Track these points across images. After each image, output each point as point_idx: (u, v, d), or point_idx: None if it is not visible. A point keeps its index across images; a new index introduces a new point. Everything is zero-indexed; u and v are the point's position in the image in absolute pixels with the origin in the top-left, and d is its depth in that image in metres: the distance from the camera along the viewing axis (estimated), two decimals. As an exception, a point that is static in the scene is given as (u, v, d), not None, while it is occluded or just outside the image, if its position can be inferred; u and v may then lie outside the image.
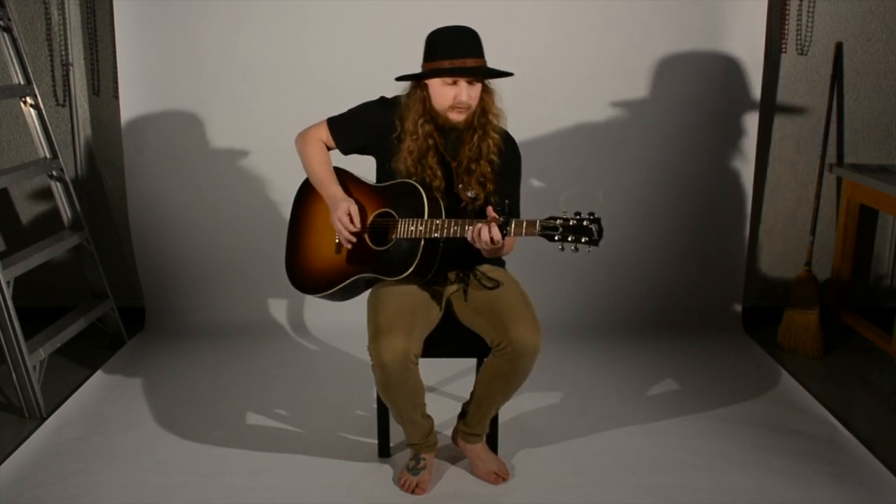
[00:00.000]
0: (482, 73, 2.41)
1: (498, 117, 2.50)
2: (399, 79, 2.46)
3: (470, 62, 2.37)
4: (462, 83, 2.39)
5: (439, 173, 2.48)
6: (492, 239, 2.26)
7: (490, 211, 2.28)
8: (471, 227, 2.31)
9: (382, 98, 2.58)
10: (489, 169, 2.48)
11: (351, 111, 2.60)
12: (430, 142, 2.46)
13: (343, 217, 2.47)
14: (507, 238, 2.28)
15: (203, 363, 3.55)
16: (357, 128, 2.58)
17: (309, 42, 3.68)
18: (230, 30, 3.66)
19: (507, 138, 2.55)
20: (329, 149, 2.64)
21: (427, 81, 2.44)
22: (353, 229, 2.48)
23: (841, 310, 3.92)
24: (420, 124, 2.45)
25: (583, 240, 2.16)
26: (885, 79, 3.87)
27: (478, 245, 2.31)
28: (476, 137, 2.47)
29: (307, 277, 2.62)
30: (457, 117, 2.44)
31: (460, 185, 2.50)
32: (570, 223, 2.17)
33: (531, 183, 3.75)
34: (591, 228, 2.15)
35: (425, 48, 2.44)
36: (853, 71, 3.85)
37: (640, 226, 3.88)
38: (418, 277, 2.46)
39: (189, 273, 3.91)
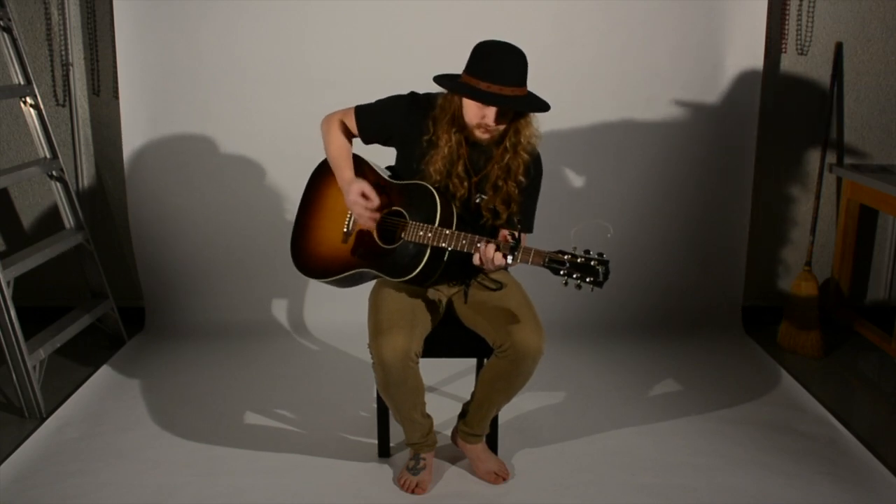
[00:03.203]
0: (514, 107, 2.35)
1: (531, 139, 2.44)
2: (436, 79, 2.40)
3: (508, 90, 2.31)
4: (492, 107, 2.34)
5: (465, 183, 2.46)
6: (494, 260, 2.25)
7: (502, 234, 2.26)
8: (478, 248, 2.29)
9: (413, 94, 2.53)
10: (516, 190, 2.45)
11: (380, 102, 2.56)
12: (461, 151, 2.44)
13: (357, 199, 2.46)
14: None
15: (203, 363, 3.55)
16: (384, 121, 2.54)
17: (309, 42, 3.68)
18: (230, 30, 3.65)
19: (535, 157, 2.51)
20: (352, 136, 2.62)
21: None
22: (372, 206, 2.46)
23: (841, 310, 3.91)
24: (453, 132, 2.42)
25: (587, 279, 2.14)
26: (885, 79, 3.87)
27: (483, 266, 2.31)
28: (507, 157, 2.44)
29: (310, 261, 2.62)
30: (481, 136, 2.40)
31: (480, 198, 2.48)
32: (578, 261, 2.15)
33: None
34: (598, 270, 2.12)
35: (470, 58, 2.38)
36: (853, 71, 3.85)
37: (641, 226, 3.88)
38: (418, 283, 2.46)
39: (189, 273, 3.91)
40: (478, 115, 2.36)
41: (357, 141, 2.63)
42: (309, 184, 2.71)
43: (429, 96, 2.50)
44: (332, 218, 2.61)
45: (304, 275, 2.62)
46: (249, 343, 3.75)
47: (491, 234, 2.41)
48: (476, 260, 2.30)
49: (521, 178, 2.45)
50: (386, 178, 2.58)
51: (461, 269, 2.54)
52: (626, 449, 2.83)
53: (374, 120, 2.55)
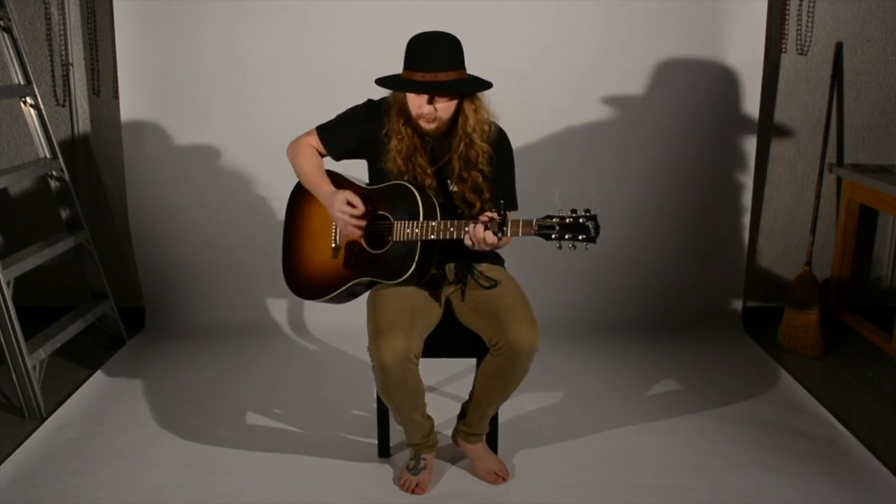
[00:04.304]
0: (443, 91, 2.36)
1: (482, 125, 2.45)
2: (376, 82, 2.44)
3: (442, 76, 2.33)
4: (424, 95, 2.37)
5: (429, 171, 2.48)
6: (485, 239, 2.26)
7: (486, 213, 2.28)
8: (467, 232, 2.30)
9: (370, 101, 2.58)
10: (480, 179, 2.47)
11: (339, 117, 2.60)
12: (416, 141, 2.46)
13: (343, 207, 2.46)
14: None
15: (203, 363, 3.55)
16: (347, 133, 2.58)
17: (309, 42, 3.68)
18: (230, 30, 3.65)
19: (498, 135, 2.53)
20: (321, 156, 2.64)
21: None
22: (359, 213, 2.46)
23: (841, 310, 3.91)
24: (402, 124, 2.45)
25: (580, 237, 2.16)
26: (885, 79, 3.87)
27: (476, 248, 2.31)
28: (463, 146, 2.45)
29: (305, 283, 2.62)
30: (426, 125, 2.43)
31: (454, 189, 2.49)
32: (567, 221, 2.18)
33: (531, 184, 3.75)
34: (588, 226, 2.15)
35: (405, 54, 2.42)
36: (853, 71, 3.85)
37: (640, 226, 3.88)
38: (416, 279, 2.46)
39: (189, 273, 3.91)
40: (415, 105, 2.40)
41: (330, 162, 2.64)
42: (288, 209, 2.71)
43: (384, 100, 2.54)
44: (319, 236, 2.61)
45: (303, 298, 2.63)
46: (249, 343, 3.75)
47: (475, 220, 2.41)
48: (467, 241, 2.31)
49: (483, 168, 2.46)
50: (362, 185, 2.59)
51: (458, 252, 2.53)
52: (626, 449, 2.83)
53: (339, 133, 2.58)
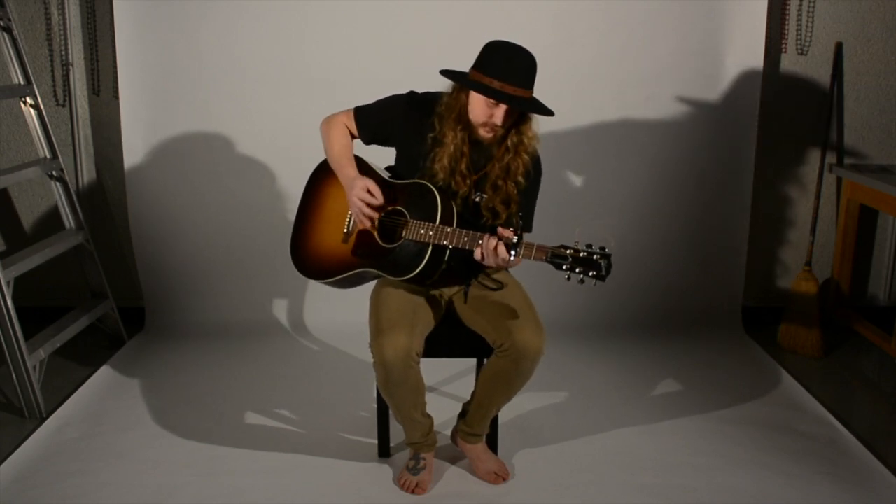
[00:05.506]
0: (527, 109, 2.37)
1: (532, 141, 2.46)
2: (443, 73, 2.40)
3: (519, 92, 2.32)
4: (502, 107, 2.34)
5: (467, 181, 2.46)
6: (497, 254, 2.25)
7: (502, 230, 2.27)
8: (480, 245, 2.30)
9: (412, 93, 2.54)
10: (515, 190, 2.46)
11: (379, 103, 2.57)
12: (465, 148, 2.44)
13: (362, 193, 2.45)
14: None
15: (203, 363, 3.55)
16: (384, 121, 2.55)
17: (309, 42, 3.68)
18: (230, 30, 3.66)
19: (535, 159, 2.52)
20: (353, 137, 2.62)
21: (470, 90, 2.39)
22: (376, 203, 2.45)
23: (841, 310, 3.91)
24: (458, 130, 2.42)
25: (590, 273, 2.15)
26: (885, 79, 3.87)
27: (485, 262, 2.30)
28: (507, 157, 2.44)
29: (310, 262, 2.62)
30: (485, 135, 2.41)
31: (480, 196, 2.48)
32: (581, 255, 2.16)
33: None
34: (601, 264, 2.14)
35: (480, 55, 2.38)
36: (853, 71, 3.85)
37: (641, 226, 3.88)
38: (419, 282, 2.46)
39: (189, 273, 3.91)
40: (486, 113, 2.36)
41: (356, 143, 2.63)
42: (308, 184, 2.71)
43: (428, 95, 2.51)
44: (333, 219, 2.61)
45: (304, 276, 2.63)
46: (249, 343, 3.75)
47: (491, 233, 2.41)
48: (478, 255, 2.30)
49: (520, 179, 2.45)
50: (386, 177, 2.58)
51: (462, 267, 2.53)
52: (626, 449, 2.83)
53: (375, 119, 2.56)
